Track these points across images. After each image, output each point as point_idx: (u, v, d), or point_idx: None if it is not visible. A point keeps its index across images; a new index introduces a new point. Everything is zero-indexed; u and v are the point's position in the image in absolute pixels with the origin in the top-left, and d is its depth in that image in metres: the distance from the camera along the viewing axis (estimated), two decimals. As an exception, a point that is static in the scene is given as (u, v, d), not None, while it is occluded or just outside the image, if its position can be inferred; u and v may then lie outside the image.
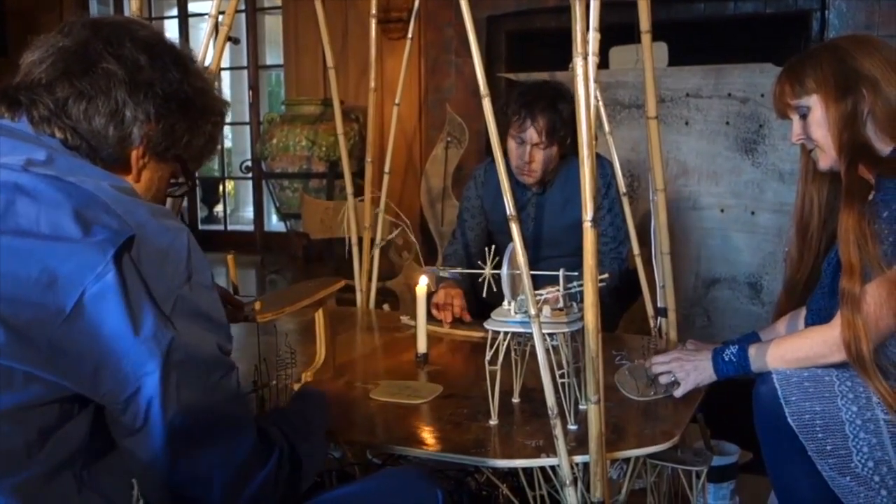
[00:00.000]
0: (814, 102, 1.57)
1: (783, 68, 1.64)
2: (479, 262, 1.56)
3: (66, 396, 0.92)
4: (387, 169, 2.58)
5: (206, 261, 1.00)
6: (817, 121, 1.57)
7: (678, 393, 1.62)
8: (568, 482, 1.33)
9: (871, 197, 1.49)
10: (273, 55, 5.53)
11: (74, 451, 0.93)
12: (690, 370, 1.64)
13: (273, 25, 5.51)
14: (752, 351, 1.59)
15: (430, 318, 2.12)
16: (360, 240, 2.60)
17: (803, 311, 1.70)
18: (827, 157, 1.59)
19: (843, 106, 1.53)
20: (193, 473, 0.97)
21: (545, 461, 1.36)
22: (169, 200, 1.39)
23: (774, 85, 1.65)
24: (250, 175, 5.37)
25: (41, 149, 0.99)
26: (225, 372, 1.01)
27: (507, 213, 1.36)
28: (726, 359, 1.62)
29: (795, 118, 1.62)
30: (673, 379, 1.64)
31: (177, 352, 0.93)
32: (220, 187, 6.38)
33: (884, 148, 1.54)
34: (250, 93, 5.37)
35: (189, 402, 0.94)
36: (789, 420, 1.47)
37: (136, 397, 0.92)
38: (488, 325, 1.52)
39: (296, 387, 1.62)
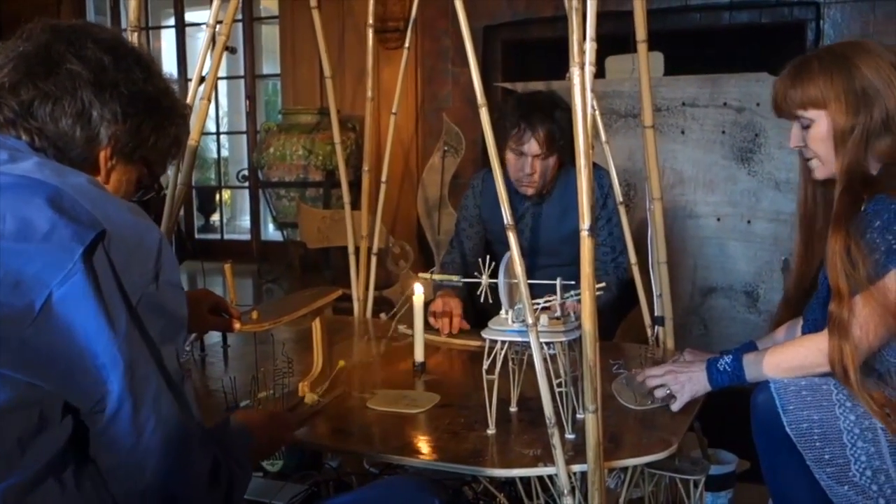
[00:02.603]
0: (819, 117, 1.54)
1: (788, 70, 1.59)
2: (476, 274, 1.56)
3: (42, 401, 0.91)
4: (383, 178, 2.59)
5: (175, 260, 1.00)
6: (820, 136, 1.55)
7: (675, 407, 1.61)
8: (566, 492, 1.33)
9: (862, 208, 1.49)
10: (270, 64, 5.55)
11: (56, 458, 0.93)
12: (685, 381, 1.63)
13: (270, 35, 5.53)
14: (747, 360, 1.59)
15: (428, 327, 2.12)
16: (356, 249, 2.60)
17: (801, 321, 1.70)
18: (825, 169, 1.58)
19: (850, 128, 1.50)
20: (155, 481, 0.96)
21: (543, 470, 1.36)
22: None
23: (778, 85, 1.59)
24: (247, 184, 5.38)
25: (3, 150, 0.99)
26: (181, 376, 1.00)
27: (505, 222, 1.36)
28: (720, 368, 1.61)
29: (796, 125, 1.60)
30: (668, 392, 1.64)
31: (142, 353, 0.93)
32: (217, 196, 6.39)
33: (875, 164, 1.53)
34: (247, 102, 5.38)
35: (153, 406, 0.94)
36: (787, 429, 1.47)
37: (106, 399, 0.91)
38: (486, 334, 1.52)
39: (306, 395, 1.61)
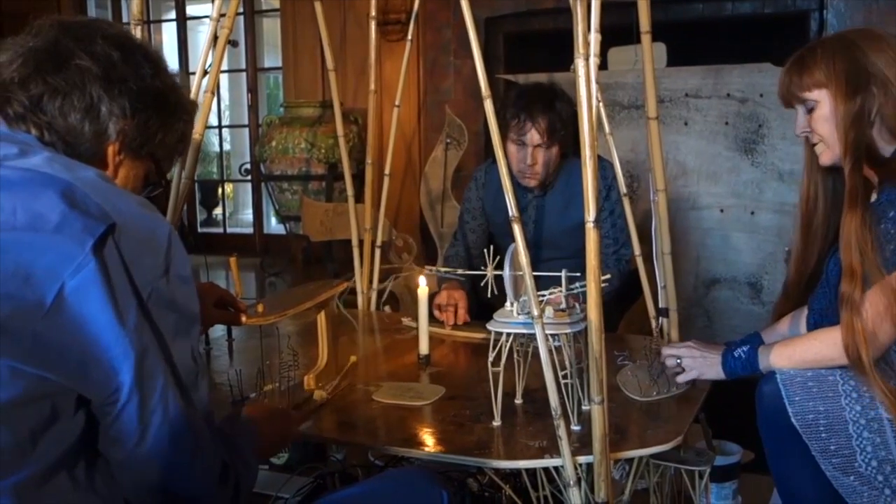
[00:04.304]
0: (822, 97, 1.55)
1: (793, 58, 1.61)
2: (481, 267, 1.56)
3: (55, 394, 0.91)
4: (386, 171, 2.59)
5: (185, 253, 1.00)
6: (824, 116, 1.55)
7: (681, 378, 1.64)
8: (571, 483, 1.33)
9: (873, 198, 1.49)
10: (271, 58, 5.53)
11: (68, 452, 0.93)
12: (699, 357, 1.65)
13: (271, 28, 5.51)
14: (762, 350, 1.59)
15: (432, 319, 2.12)
16: (360, 242, 2.61)
17: (805, 311, 1.70)
18: (830, 153, 1.57)
19: (851, 104, 1.51)
20: (163, 477, 0.97)
21: (549, 462, 1.36)
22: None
23: (783, 73, 1.61)
24: (249, 178, 5.37)
25: (13, 145, 0.99)
26: (196, 373, 1.00)
27: (510, 213, 1.36)
28: (736, 355, 1.62)
29: (801, 110, 1.60)
30: (678, 362, 1.66)
31: (151, 346, 0.93)
32: (220, 190, 6.38)
33: (886, 147, 1.53)
34: (249, 95, 5.37)
35: (160, 401, 0.94)
36: (793, 420, 1.47)
37: (120, 392, 0.92)
38: (491, 326, 1.52)
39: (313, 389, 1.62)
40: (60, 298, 0.88)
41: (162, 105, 1.11)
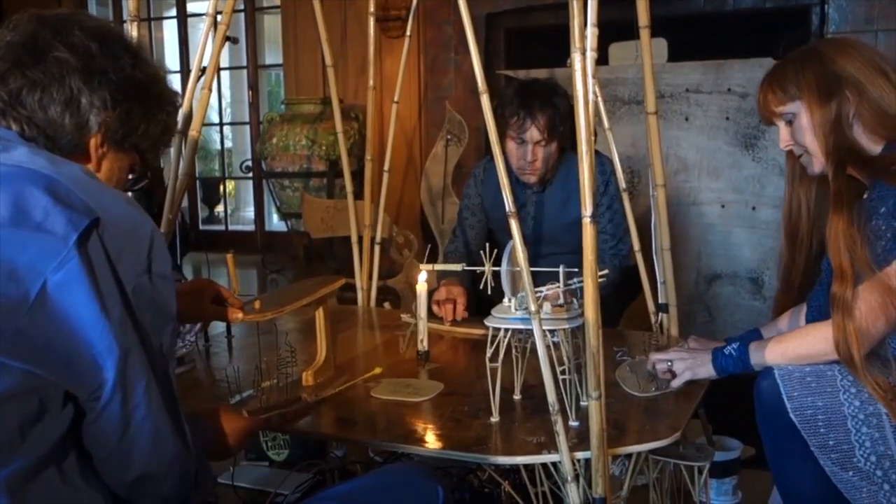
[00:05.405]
0: (798, 108, 1.57)
1: (765, 77, 1.64)
2: (481, 255, 1.56)
3: (42, 388, 0.91)
4: (386, 167, 2.58)
5: (167, 252, 1.00)
6: (803, 126, 1.58)
7: (675, 383, 1.63)
8: (570, 479, 1.33)
9: (865, 196, 1.49)
10: (272, 54, 5.54)
11: (57, 445, 0.93)
12: (688, 359, 1.65)
13: (272, 25, 5.52)
14: (753, 347, 1.59)
15: (431, 315, 2.11)
16: (360, 238, 2.60)
17: (804, 308, 1.70)
18: (817, 162, 1.59)
19: (827, 110, 1.53)
20: (145, 472, 0.98)
21: (547, 458, 1.36)
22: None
23: (758, 93, 1.65)
24: (251, 175, 5.38)
25: None
26: (165, 371, 1.00)
27: (507, 209, 1.36)
28: (726, 353, 1.62)
29: (782, 125, 1.63)
30: (669, 365, 1.65)
31: (135, 342, 0.93)
32: (221, 187, 6.39)
33: (873, 147, 1.54)
34: (250, 92, 5.38)
35: (144, 396, 0.95)
36: (791, 415, 1.47)
37: (102, 388, 0.92)
38: (489, 322, 1.52)
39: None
40: (44, 293, 0.88)
41: (143, 96, 1.10)
